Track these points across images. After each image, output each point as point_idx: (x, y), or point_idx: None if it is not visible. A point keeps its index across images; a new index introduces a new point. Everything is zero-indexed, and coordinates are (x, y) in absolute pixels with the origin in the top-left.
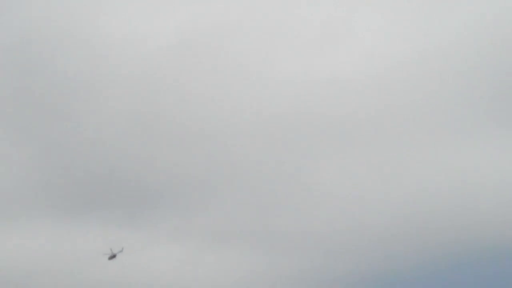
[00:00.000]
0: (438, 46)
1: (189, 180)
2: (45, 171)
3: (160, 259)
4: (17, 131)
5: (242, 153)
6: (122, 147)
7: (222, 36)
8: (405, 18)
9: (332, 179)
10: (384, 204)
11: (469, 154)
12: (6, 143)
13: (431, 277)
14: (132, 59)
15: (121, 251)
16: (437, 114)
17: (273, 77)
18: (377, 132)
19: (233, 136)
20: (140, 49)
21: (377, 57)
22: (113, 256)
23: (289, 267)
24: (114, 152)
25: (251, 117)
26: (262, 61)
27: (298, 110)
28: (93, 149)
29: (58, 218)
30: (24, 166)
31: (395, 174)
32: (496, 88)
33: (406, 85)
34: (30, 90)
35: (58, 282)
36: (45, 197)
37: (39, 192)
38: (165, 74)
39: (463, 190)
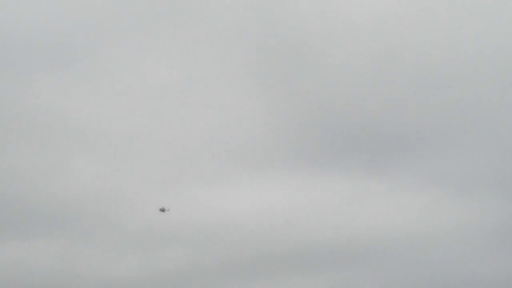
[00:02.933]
0: None
1: (433, 126)
2: (288, 121)
3: (403, 207)
4: (261, 81)
5: (486, 96)
6: (364, 94)
7: None
8: None
9: None
10: None
11: None
12: (252, 94)
13: None
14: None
15: (168, 210)
16: None
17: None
18: None
19: (475, 79)
20: None
21: None
22: (162, 210)
23: None
24: (356, 100)
25: (493, 56)
26: None
27: None
28: (334, 97)
29: (301, 168)
30: (268, 116)
31: None
32: None
33: None
34: (270, 41)
35: (301, 231)
36: (288, 147)
37: (282, 143)
38: (404, 19)
39: None
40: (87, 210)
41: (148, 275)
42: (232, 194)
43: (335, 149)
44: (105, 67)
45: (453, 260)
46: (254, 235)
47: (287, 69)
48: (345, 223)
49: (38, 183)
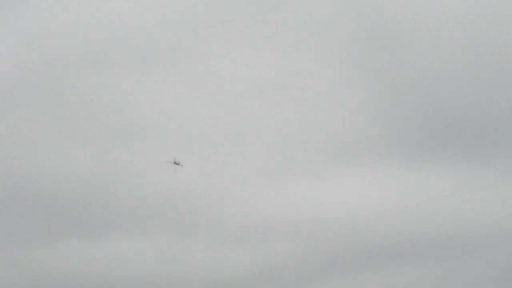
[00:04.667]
0: None
1: None
2: (387, 114)
3: (508, 196)
4: (358, 74)
5: None
6: (464, 83)
7: None
8: None
9: None
10: None
11: None
12: (349, 88)
13: None
14: None
15: (182, 165)
16: None
17: None
18: None
19: None
20: None
21: None
22: (176, 163)
23: None
24: (456, 90)
25: None
26: None
27: None
28: (434, 88)
29: (402, 160)
30: (366, 109)
31: None
32: None
33: None
34: (366, 34)
35: (405, 223)
36: (387, 139)
37: (382, 136)
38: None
39: None
40: (191, 207)
41: (251, 269)
42: (333, 188)
43: (436, 140)
44: (205, 65)
45: None
46: (356, 227)
47: (384, 61)
48: (448, 214)
49: (141, 181)
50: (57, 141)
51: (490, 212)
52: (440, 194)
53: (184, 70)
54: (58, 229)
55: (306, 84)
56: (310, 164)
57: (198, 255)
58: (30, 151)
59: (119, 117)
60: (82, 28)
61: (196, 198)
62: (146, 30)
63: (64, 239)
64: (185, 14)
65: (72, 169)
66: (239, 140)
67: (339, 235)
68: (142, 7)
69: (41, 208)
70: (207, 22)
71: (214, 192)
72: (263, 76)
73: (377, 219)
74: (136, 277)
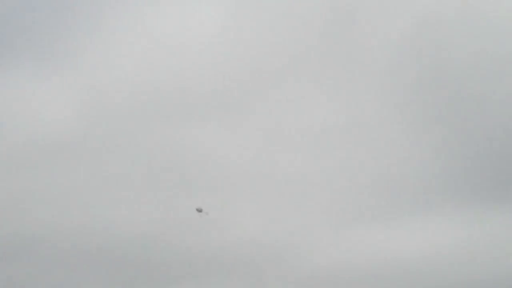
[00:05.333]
0: None
1: None
2: (453, 159)
3: None
4: (423, 119)
5: None
6: None
7: None
8: None
9: None
10: None
11: None
12: (413, 133)
13: None
14: None
15: (206, 213)
16: None
17: None
18: None
19: None
20: None
21: None
22: (199, 210)
23: None
24: None
25: None
26: None
27: None
28: (500, 131)
29: (468, 205)
30: (430, 154)
31: None
32: None
33: None
34: (429, 78)
35: (471, 269)
36: (453, 184)
37: (447, 181)
38: None
39: None
40: (255, 256)
41: None
42: (399, 234)
43: (504, 183)
44: (264, 111)
45: None
46: (423, 273)
47: (450, 105)
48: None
49: (204, 233)
50: (119, 195)
51: None
52: (509, 236)
53: (246, 118)
54: (121, 285)
55: (369, 131)
56: (376, 210)
57: None
58: (89, 205)
59: (182, 169)
60: (141, 79)
61: (260, 247)
62: (203, 78)
63: None
64: (247, 60)
65: (132, 223)
66: (303, 187)
67: (406, 282)
68: (199, 54)
69: (103, 263)
70: (270, 71)
71: (279, 241)
72: (325, 123)
73: (445, 264)
74: None
